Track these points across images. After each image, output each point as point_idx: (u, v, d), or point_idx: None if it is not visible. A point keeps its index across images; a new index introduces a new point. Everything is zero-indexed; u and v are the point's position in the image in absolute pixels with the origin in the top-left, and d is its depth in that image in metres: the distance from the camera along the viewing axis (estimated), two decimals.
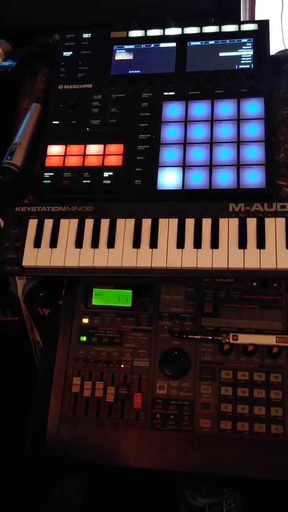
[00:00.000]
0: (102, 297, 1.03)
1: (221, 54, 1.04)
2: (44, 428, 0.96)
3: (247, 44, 1.03)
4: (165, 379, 0.96)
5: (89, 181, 0.99)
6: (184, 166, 0.96)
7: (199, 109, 1.00)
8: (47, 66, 1.14)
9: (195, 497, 1.06)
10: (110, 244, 0.94)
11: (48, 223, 0.98)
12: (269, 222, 0.91)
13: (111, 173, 0.98)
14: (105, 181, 0.98)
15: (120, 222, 0.96)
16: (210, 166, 0.95)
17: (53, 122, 1.05)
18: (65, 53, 1.10)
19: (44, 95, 1.09)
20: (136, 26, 1.11)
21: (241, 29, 1.05)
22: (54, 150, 1.02)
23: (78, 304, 1.03)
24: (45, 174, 1.01)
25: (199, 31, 1.06)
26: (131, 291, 1.02)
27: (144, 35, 1.09)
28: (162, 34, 1.08)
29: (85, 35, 1.11)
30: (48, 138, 1.04)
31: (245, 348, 0.94)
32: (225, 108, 0.99)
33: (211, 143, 0.97)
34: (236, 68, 1.02)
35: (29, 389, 1.13)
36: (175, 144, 0.99)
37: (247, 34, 1.04)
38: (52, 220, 0.98)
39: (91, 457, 0.94)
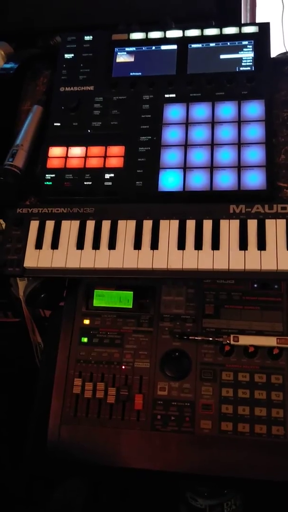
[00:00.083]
0: (103, 298, 1.03)
1: (222, 57, 1.04)
2: (45, 429, 0.96)
3: (248, 46, 1.04)
4: (166, 380, 0.96)
5: (90, 183, 0.99)
6: (185, 167, 0.97)
7: (200, 111, 1.00)
8: (49, 68, 1.15)
9: (196, 498, 1.06)
10: (111, 245, 0.94)
11: (50, 225, 0.98)
12: (269, 223, 0.91)
13: (112, 175, 0.99)
14: (106, 183, 0.98)
15: (121, 223, 0.96)
16: (211, 167, 0.96)
17: (55, 124, 1.05)
18: (67, 55, 1.10)
19: (45, 97, 1.09)
20: (137, 29, 1.11)
21: (242, 31, 1.05)
22: (56, 152, 1.03)
23: (79, 306, 1.04)
24: (46, 175, 1.01)
25: (200, 34, 1.07)
26: (132, 292, 1.02)
27: (145, 37, 1.09)
28: (163, 36, 1.08)
29: (87, 38, 1.11)
30: (49, 140, 1.04)
31: (245, 349, 0.94)
32: (226, 110, 0.99)
33: (212, 145, 0.97)
34: (237, 70, 1.02)
35: (30, 390, 1.14)
36: (176, 146, 0.99)
37: (247, 36, 1.04)
38: (53, 221, 0.98)
39: (92, 458, 0.94)
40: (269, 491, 1.06)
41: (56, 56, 1.11)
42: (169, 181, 0.96)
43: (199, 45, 1.06)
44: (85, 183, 0.99)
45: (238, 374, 0.94)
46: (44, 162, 1.02)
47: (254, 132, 0.97)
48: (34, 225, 0.99)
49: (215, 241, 0.91)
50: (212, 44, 1.05)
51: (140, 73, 1.06)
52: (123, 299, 1.02)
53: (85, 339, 1.01)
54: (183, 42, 1.06)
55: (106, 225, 0.96)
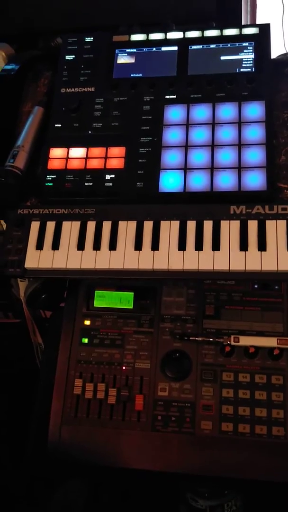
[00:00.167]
0: (103, 299, 1.03)
1: (222, 58, 1.05)
2: (46, 430, 0.96)
3: (248, 47, 1.04)
4: (166, 381, 0.96)
5: (91, 184, 0.99)
6: (186, 168, 0.97)
7: (201, 112, 1.01)
8: (50, 69, 1.15)
9: (196, 499, 1.06)
10: (112, 246, 0.94)
11: (50, 226, 0.98)
12: (270, 224, 0.91)
13: (113, 176, 0.99)
14: (107, 184, 0.99)
15: (122, 224, 0.96)
16: (212, 168, 0.96)
17: (56, 125, 1.05)
18: (68, 57, 1.11)
19: (46, 98, 1.09)
20: (138, 30, 1.11)
21: (242, 33, 1.05)
22: (57, 153, 1.03)
23: (80, 306, 1.04)
24: (47, 176, 1.01)
25: (200, 35, 1.07)
26: (132, 293, 1.02)
27: (146, 38, 1.09)
28: (163, 38, 1.09)
29: (87, 39, 1.11)
30: (50, 141, 1.04)
31: (246, 350, 0.94)
32: (227, 111, 1.00)
33: (213, 146, 0.98)
34: (237, 71, 1.03)
35: (31, 391, 1.14)
36: (177, 147, 0.99)
37: (248, 37, 1.05)
38: (54, 222, 0.98)
39: (93, 458, 0.94)
40: (270, 492, 1.06)
41: (57, 58, 1.12)
42: (170, 182, 0.97)
43: (200, 47, 1.06)
44: (85, 184, 0.99)
45: (238, 374, 0.94)
46: (45, 163, 1.02)
47: (255, 133, 0.97)
48: (35, 226, 0.99)
49: (216, 242, 0.91)
50: (212, 46, 1.05)
51: (140, 74, 1.07)
52: (123, 299, 1.02)
53: (85, 340, 1.01)
54: (183, 43, 1.07)
55: (106, 226, 0.96)
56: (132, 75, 1.07)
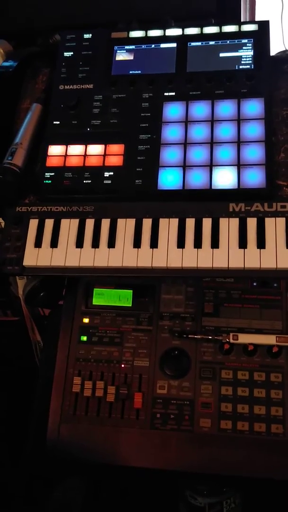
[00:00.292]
0: (102, 297, 1.03)
1: (221, 55, 1.04)
2: (45, 428, 0.96)
3: (248, 44, 1.04)
4: (165, 378, 0.96)
5: (89, 181, 0.99)
6: (185, 166, 0.97)
7: (200, 109, 1.00)
8: (48, 66, 1.15)
9: (195, 496, 1.06)
10: (111, 244, 0.94)
11: (49, 223, 0.98)
12: (269, 222, 0.91)
13: (111, 173, 0.99)
14: (105, 181, 0.98)
15: (120, 222, 0.96)
16: (211, 166, 0.96)
17: (54, 122, 1.05)
18: (66, 54, 1.10)
19: (44, 95, 1.09)
20: (137, 27, 1.11)
21: (242, 29, 1.05)
22: (55, 150, 1.03)
23: (79, 304, 1.03)
24: (45, 174, 1.01)
25: (199, 32, 1.07)
26: (131, 291, 1.02)
27: (144, 35, 1.09)
28: (162, 34, 1.08)
29: (86, 36, 1.11)
30: (48, 138, 1.04)
31: (245, 347, 0.94)
32: (226, 108, 0.99)
33: (212, 143, 0.97)
34: (237, 68, 1.02)
35: (30, 389, 1.14)
36: (176, 144, 0.99)
37: (247, 34, 1.04)
38: (52, 220, 0.98)
39: (92, 456, 0.94)
40: (269, 489, 1.06)
41: (55, 54, 1.11)
42: (169, 179, 0.96)
43: (199, 43, 1.06)
44: (84, 181, 0.99)
45: (237, 372, 0.94)
46: (43, 160, 1.02)
47: (254, 130, 0.97)
48: (33, 223, 0.99)
49: (215, 240, 0.91)
50: (211, 42, 1.05)
51: (139, 71, 1.06)
52: (122, 297, 1.02)
53: (84, 338, 1.01)
54: (182, 40, 1.06)
55: (105, 223, 0.96)
56: (130, 72, 1.07)
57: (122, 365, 0.97)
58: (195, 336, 0.96)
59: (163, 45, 1.07)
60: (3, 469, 1.26)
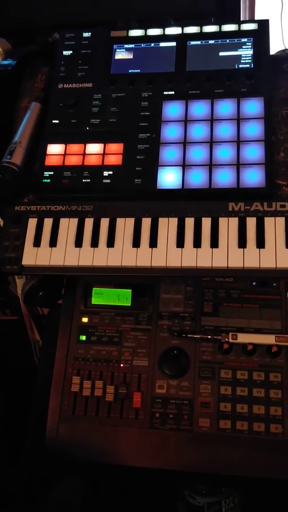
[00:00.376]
0: (101, 296, 1.03)
1: (221, 54, 1.04)
2: (44, 427, 0.96)
3: (247, 43, 1.03)
4: (164, 378, 0.96)
5: (89, 180, 0.99)
6: (184, 165, 0.96)
7: (199, 108, 1.00)
8: (47, 65, 1.14)
9: (194, 496, 1.06)
10: (110, 243, 0.94)
11: (48, 222, 0.98)
12: (268, 221, 0.91)
13: (111, 172, 0.98)
14: (105, 180, 0.98)
15: (120, 221, 0.96)
16: (210, 165, 0.95)
17: (53, 121, 1.05)
18: (65, 52, 1.10)
19: (43, 94, 1.09)
20: (136, 26, 1.11)
21: (241, 28, 1.05)
22: (54, 149, 1.02)
23: (78, 303, 1.03)
24: (45, 173, 1.01)
25: (199, 31, 1.06)
26: (130, 290, 1.02)
27: (144, 34, 1.09)
28: (162, 33, 1.08)
29: (85, 34, 1.10)
30: (48, 137, 1.04)
31: (244, 347, 0.94)
32: (225, 107, 0.99)
33: (211, 142, 0.97)
34: (236, 67, 1.02)
35: (29, 388, 1.13)
36: (175, 143, 0.99)
37: (247, 33, 1.04)
38: (52, 219, 0.98)
39: (91, 456, 0.94)
40: (268, 489, 1.06)
41: (54, 53, 1.11)
42: (168, 178, 0.96)
43: (198, 42, 1.05)
44: (83, 180, 0.99)
45: (236, 372, 0.94)
46: (42, 159, 1.02)
47: (253, 129, 0.96)
48: (32, 222, 0.98)
49: (214, 239, 0.91)
50: (211, 41, 1.05)
51: (139, 70, 1.06)
52: (121, 297, 1.02)
53: (83, 337, 1.01)
54: (182, 39, 1.06)
55: (104, 222, 0.96)
56: (130, 71, 1.06)
57: (121, 365, 0.97)
58: (194, 336, 0.96)
59: (162, 44, 1.07)
60: (2, 468, 1.26)
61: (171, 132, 0.99)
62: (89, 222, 0.97)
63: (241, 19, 1.51)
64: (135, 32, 1.09)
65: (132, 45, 1.08)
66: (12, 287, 1.33)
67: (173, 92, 1.02)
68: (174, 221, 0.94)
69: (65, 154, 1.01)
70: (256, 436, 0.90)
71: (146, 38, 1.08)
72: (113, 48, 1.09)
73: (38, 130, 1.05)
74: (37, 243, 0.97)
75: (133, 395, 0.95)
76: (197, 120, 0.99)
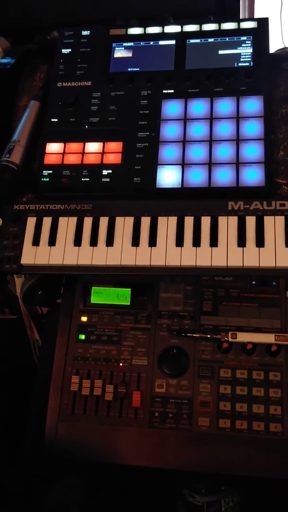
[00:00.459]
0: (101, 295, 1.03)
1: (220, 52, 1.04)
2: (43, 427, 0.96)
3: (247, 42, 1.03)
4: (164, 377, 0.96)
5: (88, 179, 0.98)
6: (183, 164, 0.96)
7: (199, 107, 1.00)
8: (46, 63, 1.14)
9: (194, 495, 1.06)
10: (109, 242, 0.94)
11: (47, 221, 0.98)
12: (268, 220, 0.91)
13: (110, 171, 0.98)
14: (104, 179, 0.98)
15: (119, 220, 0.95)
16: (209, 164, 0.95)
17: (52, 119, 1.04)
18: (64, 51, 1.10)
19: (42, 93, 1.09)
20: (135, 24, 1.10)
21: (241, 27, 1.05)
22: (53, 147, 1.02)
23: (77, 303, 1.03)
24: (43, 171, 1.00)
25: (198, 29, 1.06)
26: (130, 289, 1.02)
27: (143, 32, 1.08)
28: (161, 31, 1.08)
29: (84, 33, 1.10)
30: (46, 135, 1.03)
31: (244, 346, 0.94)
32: (225, 106, 0.99)
33: (211, 141, 0.97)
34: (236, 66, 1.02)
35: (28, 387, 1.13)
36: (174, 142, 0.98)
37: (246, 32, 1.04)
38: (50, 218, 0.98)
39: (90, 455, 0.94)
40: (267, 488, 1.06)
41: (53, 51, 1.11)
42: (167, 177, 0.96)
43: (198, 41, 1.05)
44: (82, 179, 0.99)
45: (236, 371, 0.94)
46: (41, 158, 1.02)
47: (253, 128, 0.96)
48: (31, 221, 0.98)
49: (214, 238, 0.91)
50: (210, 40, 1.05)
51: (138, 69, 1.06)
52: (120, 296, 1.02)
53: (82, 336, 1.00)
54: (181, 37, 1.06)
55: (103, 221, 0.96)
56: (129, 69, 1.06)
57: (121, 364, 0.97)
58: (194, 335, 0.96)
59: (161, 42, 1.07)
60: (1, 467, 1.26)
61: (170, 130, 0.99)
62: (88, 221, 0.96)
63: (241, 17, 1.51)
64: (134, 30, 1.09)
65: (131, 44, 1.08)
66: (11, 286, 1.33)
67: (172, 91, 1.02)
68: (173, 220, 0.93)
69: (64, 153, 1.01)
70: (255, 435, 0.90)
71: (145, 37, 1.08)
72: (112, 47, 1.08)
73: (37, 129, 1.05)
74: (36, 242, 0.96)
75: (133, 394, 0.94)
76: (196, 119, 0.99)
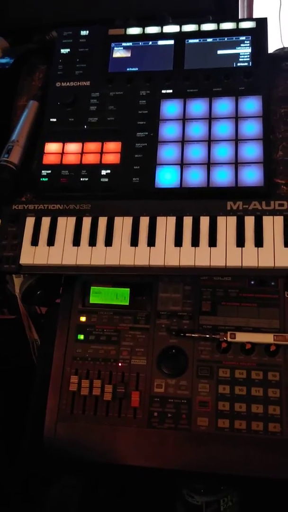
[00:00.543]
0: (99, 295, 1.03)
1: (219, 52, 1.04)
2: (42, 426, 0.96)
3: (245, 42, 1.03)
4: (162, 377, 0.96)
5: (86, 179, 0.98)
6: (182, 164, 0.96)
7: (197, 107, 1.00)
8: (45, 63, 1.14)
9: (193, 495, 1.06)
10: (108, 242, 0.94)
11: (46, 221, 0.98)
12: (267, 220, 0.91)
13: (108, 171, 0.98)
14: (102, 179, 0.98)
15: (117, 220, 0.95)
16: (208, 164, 0.95)
17: (51, 119, 1.04)
18: (63, 50, 1.10)
19: (41, 93, 1.08)
20: (134, 24, 1.10)
21: (239, 26, 1.05)
22: (52, 147, 1.02)
23: (76, 303, 1.03)
24: (42, 171, 1.00)
25: (197, 29, 1.06)
26: (128, 289, 1.02)
27: (142, 32, 1.08)
28: (160, 31, 1.08)
29: (83, 32, 1.10)
30: (45, 135, 1.03)
31: (242, 346, 0.94)
32: (223, 106, 0.99)
33: (209, 141, 0.97)
34: (234, 66, 1.02)
35: (27, 387, 1.13)
36: (173, 142, 0.98)
37: (245, 32, 1.04)
38: (49, 218, 0.98)
39: (89, 455, 0.94)
40: (266, 488, 1.06)
41: (52, 51, 1.11)
42: (166, 177, 0.96)
43: (196, 41, 1.05)
44: (81, 179, 0.99)
45: (235, 371, 0.94)
46: (40, 158, 1.02)
47: (252, 128, 0.96)
48: (30, 221, 0.98)
49: (212, 238, 0.91)
50: (209, 40, 1.05)
51: (136, 69, 1.06)
52: (119, 296, 1.02)
53: (81, 336, 1.00)
54: (180, 37, 1.06)
55: (102, 221, 0.96)
56: (128, 69, 1.06)
57: (119, 364, 0.97)
58: (193, 335, 0.96)
59: (160, 42, 1.07)
60: (0, 467, 1.26)
61: (169, 130, 0.99)
62: (87, 221, 0.96)
63: (239, 17, 1.51)
64: (133, 30, 1.09)
65: (130, 43, 1.08)
66: (10, 286, 1.33)
67: (171, 91, 1.02)
68: (172, 220, 0.94)
69: (63, 153, 1.01)
70: (254, 435, 0.90)
71: (144, 36, 1.08)
72: (111, 47, 1.08)
73: (36, 129, 1.05)
74: (35, 242, 0.96)
75: (131, 394, 0.94)
76: (195, 119, 0.99)
